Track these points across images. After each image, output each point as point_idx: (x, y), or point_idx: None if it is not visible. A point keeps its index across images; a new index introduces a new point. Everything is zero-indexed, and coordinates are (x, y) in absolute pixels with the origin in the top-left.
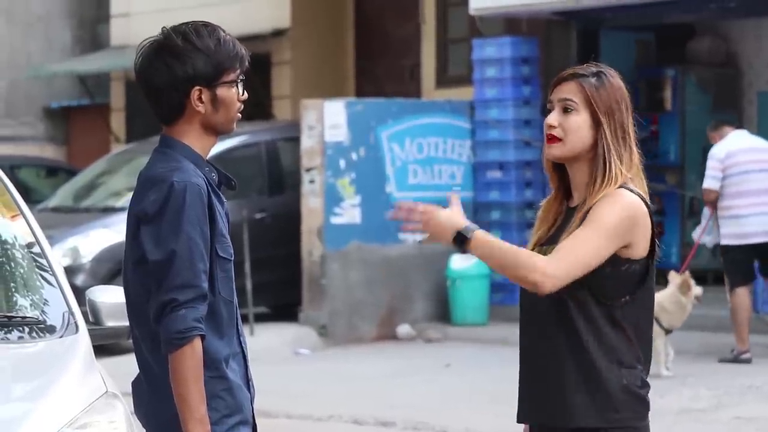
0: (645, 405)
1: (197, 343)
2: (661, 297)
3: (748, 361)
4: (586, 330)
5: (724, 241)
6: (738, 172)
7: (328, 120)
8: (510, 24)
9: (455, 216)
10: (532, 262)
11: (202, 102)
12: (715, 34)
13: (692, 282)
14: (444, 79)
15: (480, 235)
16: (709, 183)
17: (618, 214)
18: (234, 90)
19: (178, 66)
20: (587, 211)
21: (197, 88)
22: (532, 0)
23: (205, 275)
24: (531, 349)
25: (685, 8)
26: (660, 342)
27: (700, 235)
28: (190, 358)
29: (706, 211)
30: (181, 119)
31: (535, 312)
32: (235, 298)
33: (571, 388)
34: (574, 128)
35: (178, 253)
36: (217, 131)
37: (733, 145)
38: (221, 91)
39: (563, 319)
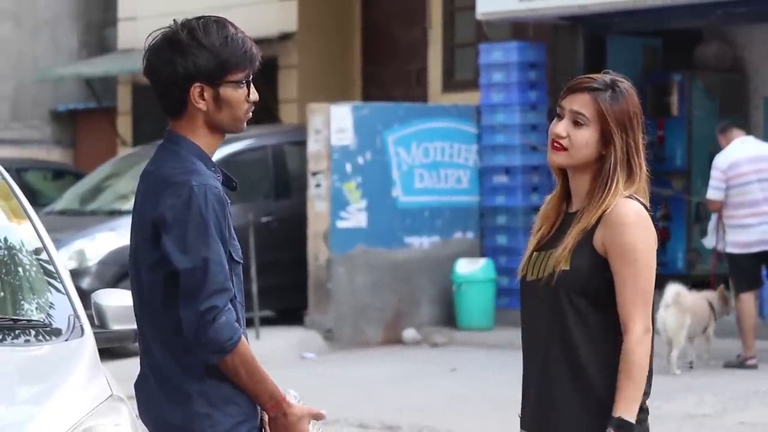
0: (641, 411)
1: (242, 342)
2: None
3: (753, 366)
4: (580, 337)
5: (729, 249)
6: (740, 183)
7: (335, 124)
8: (517, 29)
9: None
10: (633, 345)
11: (204, 99)
12: (722, 40)
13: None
14: (450, 84)
15: (622, 414)
16: (713, 194)
17: (641, 232)
18: (241, 91)
19: (179, 61)
20: (587, 228)
21: (197, 84)
22: (539, 5)
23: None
24: (529, 356)
25: (692, 13)
26: (711, 332)
27: (717, 241)
28: (246, 354)
29: (715, 217)
30: (184, 114)
31: (533, 319)
32: (244, 299)
33: (563, 396)
34: (581, 143)
35: (211, 258)
36: (223, 130)
37: (736, 155)
38: (225, 91)
39: (558, 326)
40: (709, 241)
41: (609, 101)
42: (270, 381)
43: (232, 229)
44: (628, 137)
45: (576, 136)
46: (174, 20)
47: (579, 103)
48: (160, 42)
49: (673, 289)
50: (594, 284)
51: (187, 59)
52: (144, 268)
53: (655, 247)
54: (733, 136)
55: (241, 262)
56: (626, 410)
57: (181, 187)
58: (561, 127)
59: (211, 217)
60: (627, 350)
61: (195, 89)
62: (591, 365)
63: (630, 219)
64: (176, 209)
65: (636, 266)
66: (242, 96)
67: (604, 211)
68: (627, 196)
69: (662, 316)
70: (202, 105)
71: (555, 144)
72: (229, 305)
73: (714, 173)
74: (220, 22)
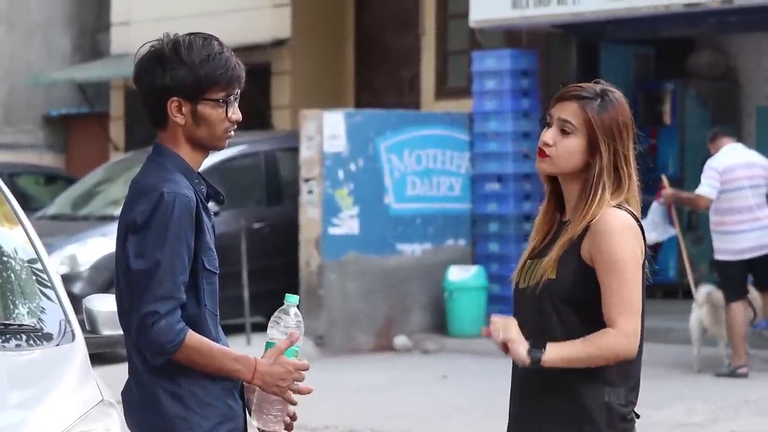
0: (626, 422)
1: (189, 336)
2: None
3: (744, 375)
4: None
5: (718, 257)
6: (733, 188)
7: (327, 130)
8: (510, 36)
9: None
10: (610, 336)
11: (181, 113)
12: (715, 49)
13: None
14: (443, 91)
15: (551, 349)
16: (707, 191)
17: (626, 240)
18: (220, 109)
19: (159, 74)
20: (573, 238)
21: (175, 98)
22: (532, 13)
23: (184, 287)
24: (517, 366)
25: (685, 22)
26: None
27: (673, 230)
28: (193, 349)
29: (658, 208)
30: (166, 127)
31: (523, 328)
32: (218, 309)
33: (549, 405)
34: (568, 151)
35: (162, 263)
36: (203, 147)
37: (731, 160)
38: (204, 108)
39: (544, 334)
40: (659, 234)
41: (597, 110)
42: (232, 355)
43: (209, 239)
44: (616, 146)
45: (562, 145)
46: (165, 34)
47: (567, 111)
48: (147, 53)
49: (704, 290)
50: (580, 294)
51: (166, 72)
52: (121, 272)
53: (642, 257)
54: (722, 144)
55: (217, 272)
56: (552, 352)
57: (152, 193)
58: (548, 135)
59: (174, 224)
60: (607, 332)
61: (172, 103)
62: (576, 375)
63: (616, 229)
64: (144, 214)
65: (621, 276)
66: (221, 115)
67: (591, 221)
68: (615, 206)
69: (696, 316)
70: (179, 119)
71: (541, 151)
72: (175, 311)
73: (710, 172)
74: (207, 40)
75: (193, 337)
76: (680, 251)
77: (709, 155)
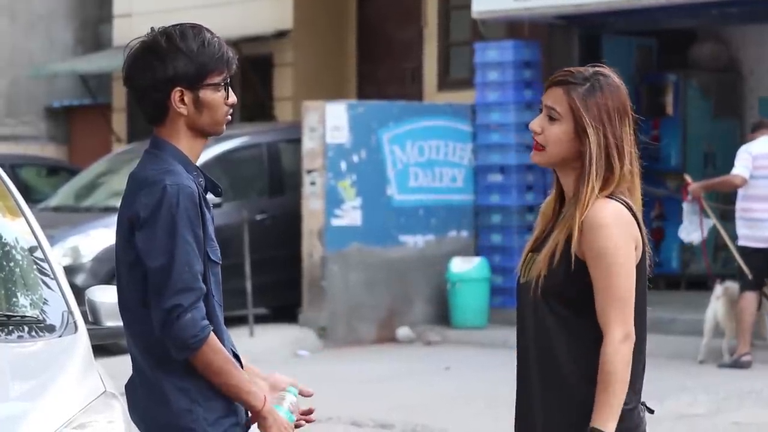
0: (629, 418)
1: (212, 337)
2: None
3: (748, 363)
4: (561, 342)
5: (743, 243)
6: (762, 175)
7: (330, 122)
8: (512, 28)
9: None
10: (610, 356)
11: (184, 104)
12: (717, 40)
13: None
14: (446, 82)
15: (597, 424)
16: (742, 171)
17: (614, 234)
18: (220, 93)
19: (159, 67)
20: (565, 234)
21: (178, 89)
22: (534, 4)
23: (201, 276)
24: (519, 361)
25: (687, 14)
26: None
27: (703, 232)
28: (214, 352)
29: (690, 207)
30: (166, 120)
31: (523, 321)
32: (222, 300)
33: (548, 404)
34: (554, 139)
35: (177, 257)
36: (204, 134)
37: (765, 148)
38: (204, 94)
39: (542, 330)
40: (689, 235)
41: (582, 95)
42: (242, 383)
43: (211, 229)
44: (606, 132)
45: (549, 132)
46: (152, 28)
47: (552, 97)
48: (140, 50)
49: (724, 284)
50: (574, 289)
51: (167, 65)
52: (124, 267)
53: (638, 248)
54: (761, 134)
55: (219, 262)
56: (602, 421)
57: (154, 186)
58: (536, 123)
59: (181, 216)
60: (603, 360)
61: (176, 93)
62: (572, 371)
63: (604, 222)
64: (149, 208)
65: (611, 270)
66: (221, 98)
67: (582, 215)
68: (607, 196)
69: (713, 308)
70: (183, 109)
71: (534, 142)
72: (198, 304)
73: (743, 155)
74: (196, 28)
75: (215, 340)
76: (722, 242)
77: (713, 148)
